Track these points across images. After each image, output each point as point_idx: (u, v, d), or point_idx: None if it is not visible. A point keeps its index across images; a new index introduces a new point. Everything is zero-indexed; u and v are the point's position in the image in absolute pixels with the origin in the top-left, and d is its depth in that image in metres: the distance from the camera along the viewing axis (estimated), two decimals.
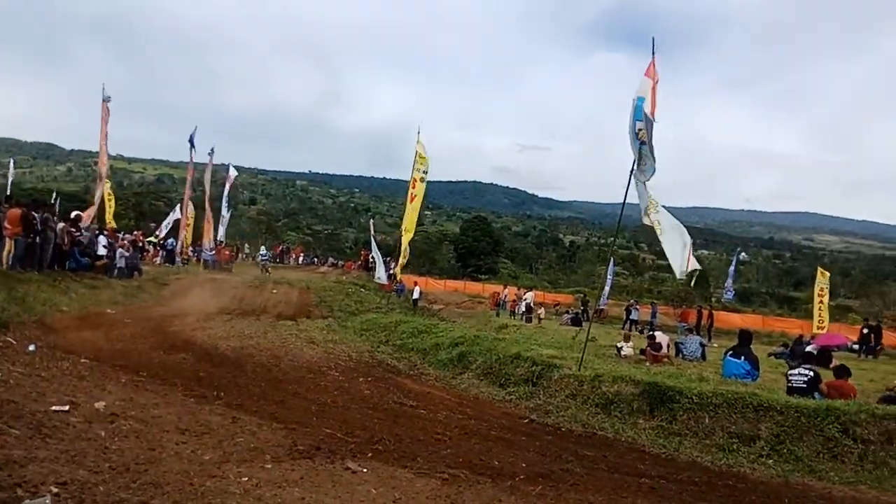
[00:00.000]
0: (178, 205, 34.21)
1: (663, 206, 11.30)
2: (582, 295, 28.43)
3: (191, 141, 29.02)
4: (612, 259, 39.55)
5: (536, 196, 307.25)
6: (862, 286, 73.80)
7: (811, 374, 10.38)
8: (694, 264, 11.28)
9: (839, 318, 41.91)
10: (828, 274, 31.96)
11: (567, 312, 34.16)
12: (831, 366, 11.26)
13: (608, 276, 38.17)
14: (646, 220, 11.26)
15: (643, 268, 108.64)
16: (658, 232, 11.16)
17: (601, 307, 37.10)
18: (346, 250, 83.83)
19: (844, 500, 7.11)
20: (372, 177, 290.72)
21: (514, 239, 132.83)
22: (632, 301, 35.01)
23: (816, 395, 9.99)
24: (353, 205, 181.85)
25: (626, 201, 11.23)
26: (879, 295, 51.77)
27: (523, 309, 33.08)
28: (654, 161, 10.92)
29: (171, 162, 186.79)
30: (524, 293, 36.25)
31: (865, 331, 27.14)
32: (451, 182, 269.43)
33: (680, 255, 11.04)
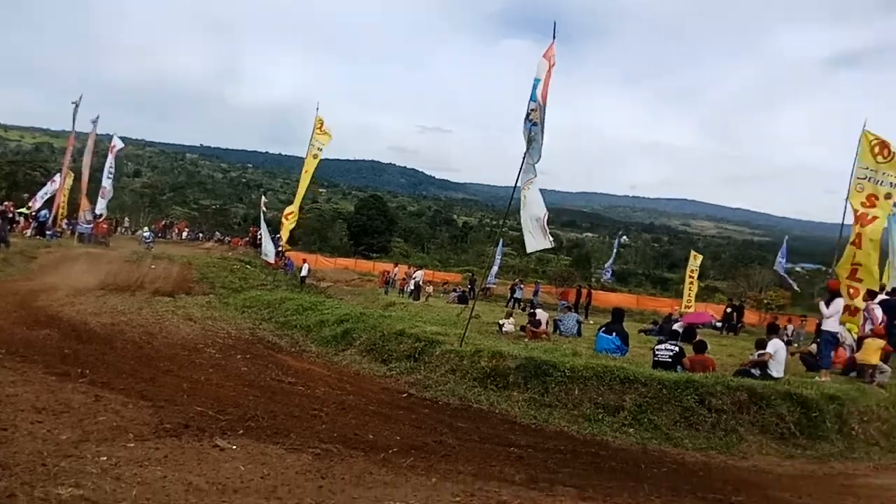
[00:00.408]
0: (56, 175, 32.08)
1: (539, 190, 11.72)
2: (470, 274, 28.95)
3: (75, 108, 27.33)
4: (500, 240, 40.36)
5: (433, 177, 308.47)
6: (730, 269, 78.52)
7: (676, 349, 11.03)
8: (547, 241, 11.75)
9: (707, 298, 44.66)
10: (700, 257, 33.98)
11: (454, 291, 34.61)
12: (694, 341, 11.99)
13: (496, 256, 38.96)
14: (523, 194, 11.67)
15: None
16: (522, 205, 11.60)
17: (488, 286, 37.88)
18: (234, 226, 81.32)
19: (696, 464, 7.66)
20: (267, 152, 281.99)
21: (409, 218, 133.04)
22: (517, 280, 35.91)
23: (679, 368, 10.64)
24: (244, 180, 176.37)
25: (511, 184, 11.57)
26: (745, 277, 55.19)
27: (412, 287, 33.26)
28: (542, 143, 11.25)
29: (52, 130, 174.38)
30: (414, 272, 36.43)
31: (729, 310, 29.08)
32: (349, 160, 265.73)
33: (532, 231, 11.54)
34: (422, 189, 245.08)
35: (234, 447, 5.61)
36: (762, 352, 11.26)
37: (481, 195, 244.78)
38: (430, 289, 32.67)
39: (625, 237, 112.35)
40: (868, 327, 13.04)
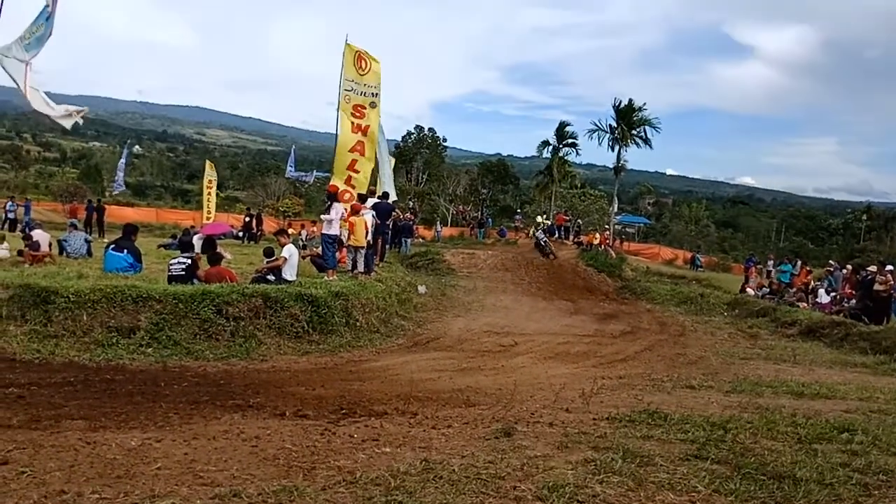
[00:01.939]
0: None
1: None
2: None
3: None
4: None
5: None
6: (248, 178, 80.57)
7: (189, 261, 10.97)
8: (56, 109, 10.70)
9: (228, 209, 45.25)
10: (215, 167, 33.97)
11: None
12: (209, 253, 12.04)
13: None
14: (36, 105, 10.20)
15: (28, 161, 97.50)
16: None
17: None
18: None
19: (217, 374, 7.86)
20: None
21: None
22: (8, 198, 31.28)
23: (195, 281, 10.62)
24: None
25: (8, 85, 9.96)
26: (263, 186, 57.24)
27: None
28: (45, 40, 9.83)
29: None
30: None
31: (248, 219, 30.04)
32: None
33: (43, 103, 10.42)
34: None
35: None
36: (274, 258, 11.90)
37: None
38: None
39: (137, 146, 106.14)
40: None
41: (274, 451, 4.56)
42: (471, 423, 5.51)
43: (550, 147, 45.18)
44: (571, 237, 34.12)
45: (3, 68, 10.18)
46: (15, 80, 10.26)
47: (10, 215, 27.65)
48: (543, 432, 5.04)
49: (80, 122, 11.42)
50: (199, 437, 4.85)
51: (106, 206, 30.11)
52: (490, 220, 49.62)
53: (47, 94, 10.93)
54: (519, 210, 52.56)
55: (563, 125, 45.34)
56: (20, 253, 14.71)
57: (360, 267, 13.55)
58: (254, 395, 6.62)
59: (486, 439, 4.85)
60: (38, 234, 15.12)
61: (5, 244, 15.51)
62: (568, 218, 37.29)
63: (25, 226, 24.76)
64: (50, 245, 15.38)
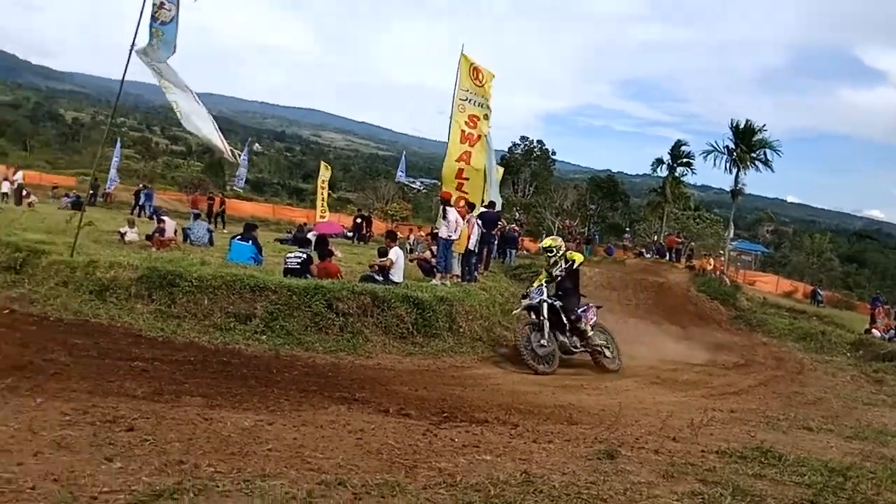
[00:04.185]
0: None
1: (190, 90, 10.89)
2: (92, 178, 25.94)
3: None
4: (118, 140, 36.84)
5: (30, 63, 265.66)
6: (360, 181, 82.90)
7: (304, 256, 11.37)
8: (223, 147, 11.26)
9: (340, 209, 46.70)
10: (330, 168, 35.08)
11: (67, 195, 30.87)
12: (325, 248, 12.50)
13: (114, 158, 35.48)
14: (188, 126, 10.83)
15: (157, 152, 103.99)
16: (179, 116, 10.82)
17: (108, 191, 34.67)
18: None
19: (325, 366, 8.10)
20: None
21: (3, 110, 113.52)
22: (140, 185, 33.39)
23: (308, 275, 11.00)
24: None
25: (130, 78, 10.53)
26: (373, 189, 58.85)
27: (4, 190, 28.93)
28: (175, 43, 10.39)
29: None
30: (13, 172, 31.48)
31: (358, 220, 30.83)
32: None
33: (218, 137, 10.92)
34: (15, 76, 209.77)
35: None
36: (383, 258, 12.16)
37: (92, 88, 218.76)
38: (33, 198, 28.49)
39: (257, 144, 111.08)
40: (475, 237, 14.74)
41: (377, 446, 4.66)
42: (572, 440, 5.42)
43: (664, 165, 44.08)
44: (683, 260, 33.06)
45: (153, 70, 10.71)
46: (175, 102, 10.79)
47: (142, 201, 29.50)
48: (648, 459, 4.90)
49: (237, 161, 12.08)
50: (307, 425, 5.00)
51: (224, 200, 31.67)
52: (597, 236, 48.73)
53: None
54: (628, 228, 51.46)
55: (678, 144, 44.25)
56: (148, 237, 15.67)
57: (455, 270, 13.58)
58: (359, 389, 6.77)
59: (587, 459, 4.77)
60: (167, 222, 16.11)
61: (135, 228, 16.55)
62: (680, 240, 36.15)
63: (153, 213, 26.35)
64: (175, 232, 16.34)
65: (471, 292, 12.46)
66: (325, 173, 32.27)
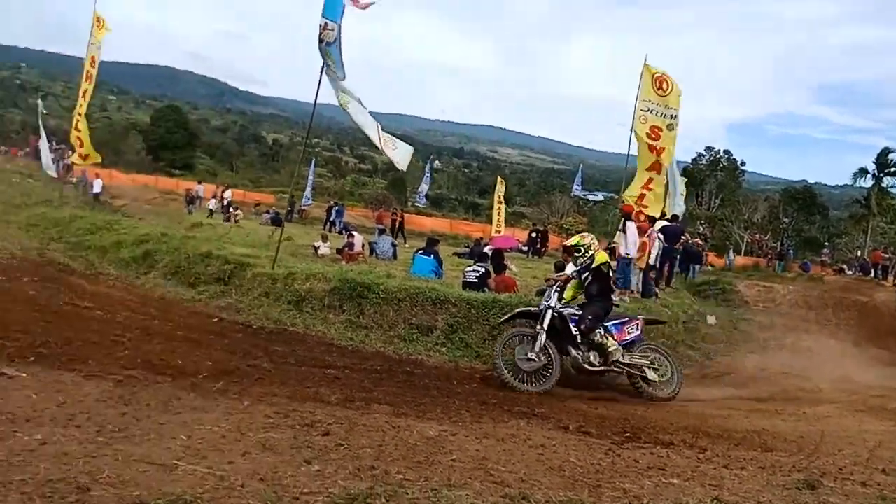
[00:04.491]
0: None
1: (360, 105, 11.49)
2: (290, 196, 28.38)
3: None
4: (313, 160, 39.51)
5: (237, 89, 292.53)
6: (534, 195, 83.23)
7: (482, 270, 11.56)
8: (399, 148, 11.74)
9: (514, 224, 47.03)
10: (505, 183, 35.46)
11: (268, 212, 33.62)
12: (501, 262, 12.66)
13: (309, 177, 38.17)
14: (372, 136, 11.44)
15: (346, 170, 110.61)
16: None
17: (303, 207, 37.25)
18: (11, 135, 72.44)
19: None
20: (43, 51, 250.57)
21: (213, 133, 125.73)
22: (331, 202, 35.59)
23: (486, 289, 11.16)
24: (19, 82, 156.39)
25: (322, 101, 11.30)
26: (548, 203, 58.77)
27: (211, 206, 32.05)
28: (342, 62, 10.98)
29: None
30: (222, 191, 34.86)
31: (534, 234, 30.88)
32: (140, 65, 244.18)
33: (388, 144, 11.47)
34: (225, 102, 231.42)
35: (24, 375, 5.11)
36: (560, 273, 12.06)
37: (291, 111, 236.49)
38: (239, 213, 31.37)
39: (437, 161, 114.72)
40: (657, 251, 14.27)
41: (559, 462, 4.62)
42: (767, 468, 5.06)
43: (869, 175, 40.26)
44: (891, 278, 29.90)
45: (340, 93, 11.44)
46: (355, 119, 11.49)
47: (333, 217, 31.43)
48: (854, 491, 4.47)
49: (404, 169, 12.63)
50: (489, 437, 5.06)
51: (405, 214, 32.98)
52: (792, 251, 45.28)
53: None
54: (827, 243, 47.41)
55: (885, 152, 40.22)
56: (339, 251, 16.69)
57: (634, 286, 13.17)
58: (538, 404, 6.76)
59: (785, 488, 4.43)
60: (356, 237, 17.09)
61: (328, 243, 17.67)
62: (888, 256, 32.75)
63: (343, 228, 27.98)
64: (363, 246, 17.26)
65: (651, 309, 12.06)
66: (500, 188, 32.66)
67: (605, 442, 5.45)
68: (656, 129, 14.56)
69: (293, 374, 6.73)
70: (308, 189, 37.31)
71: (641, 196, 14.52)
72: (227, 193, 33.92)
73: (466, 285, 11.29)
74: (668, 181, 15.84)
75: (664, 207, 16.16)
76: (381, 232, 20.86)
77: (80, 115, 19.42)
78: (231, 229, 22.08)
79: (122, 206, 27.35)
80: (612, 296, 9.05)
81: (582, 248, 8.49)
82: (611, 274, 8.70)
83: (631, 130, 14.65)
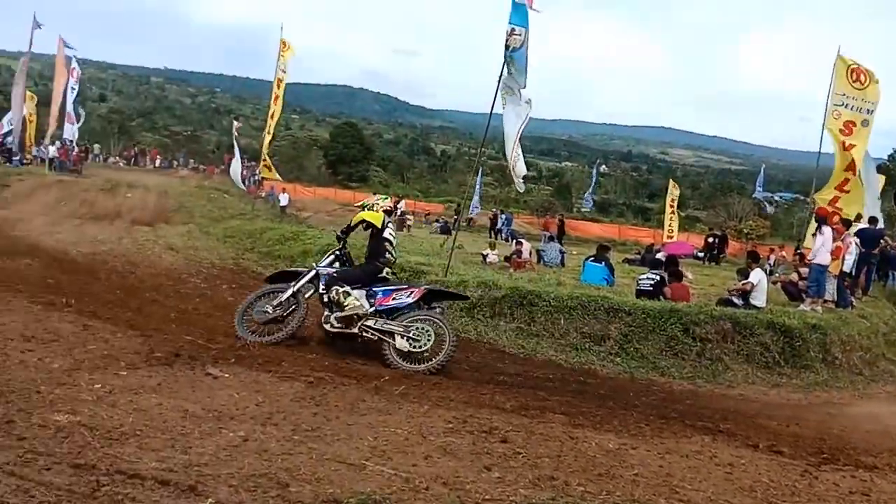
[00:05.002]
0: (19, 100, 30.74)
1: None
2: (456, 204, 28.95)
3: (36, 25, 26.26)
4: (480, 169, 40.13)
5: (408, 103, 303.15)
6: (710, 198, 78.97)
7: (657, 278, 11.15)
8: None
9: (688, 229, 45.03)
10: (679, 186, 34.08)
11: (437, 221, 34.58)
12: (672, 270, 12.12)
13: (476, 187, 38.79)
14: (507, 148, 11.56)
15: (511, 178, 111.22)
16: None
17: (471, 216, 37.93)
18: (208, 154, 79.77)
19: (683, 392, 7.83)
20: (235, 76, 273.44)
21: (386, 147, 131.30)
22: (495, 210, 35.95)
23: (662, 297, 10.76)
24: (214, 105, 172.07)
25: (496, 112, 11.39)
26: (725, 206, 55.51)
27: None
28: (525, 69, 11.01)
29: (7, 52, 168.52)
30: (396, 202, 36.27)
31: (711, 239, 29.40)
32: (320, 85, 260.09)
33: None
34: (397, 116, 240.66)
35: (227, 375, 5.59)
36: (745, 280, 11.38)
37: (458, 122, 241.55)
38: (411, 219, 32.57)
39: (604, 166, 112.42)
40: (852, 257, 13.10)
41: (749, 482, 4.38)
42: None
43: None
44: None
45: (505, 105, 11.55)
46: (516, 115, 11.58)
47: (499, 225, 31.74)
48: None
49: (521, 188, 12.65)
50: (672, 453, 4.87)
51: (566, 220, 32.65)
52: None
53: (532, 119, 12.09)
54: None
55: None
56: (507, 259, 16.80)
57: (828, 294, 12.10)
58: (722, 420, 6.41)
59: None
60: (524, 244, 17.15)
61: (496, 251, 17.85)
62: None
63: (510, 236, 28.17)
64: (530, 253, 17.26)
65: (847, 320, 11.08)
66: (673, 191, 31.44)
67: (799, 462, 5.08)
68: (850, 125, 13.49)
69: (468, 380, 6.85)
70: (476, 198, 37.92)
71: (835, 198, 13.45)
72: (402, 204, 35.23)
73: (641, 293, 10.95)
74: (863, 182, 14.58)
75: (860, 209, 14.83)
76: (550, 239, 20.76)
77: (268, 134, 21.10)
78: (404, 238, 22.91)
79: (306, 217, 29.23)
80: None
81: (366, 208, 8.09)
82: (384, 234, 7.77)
83: (823, 127, 13.64)
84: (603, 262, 13.35)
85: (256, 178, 32.10)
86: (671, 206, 31.14)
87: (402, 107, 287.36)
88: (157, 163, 56.24)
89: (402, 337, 7.10)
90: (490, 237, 28.87)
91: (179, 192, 24.58)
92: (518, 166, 12.22)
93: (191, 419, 4.40)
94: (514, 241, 20.31)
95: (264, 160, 21.22)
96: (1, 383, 4.48)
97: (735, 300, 11.11)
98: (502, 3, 11.04)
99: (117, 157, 56.20)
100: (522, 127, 11.68)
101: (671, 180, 34.14)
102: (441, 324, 7.24)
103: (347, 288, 7.36)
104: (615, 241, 35.89)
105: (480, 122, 12.07)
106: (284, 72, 20.75)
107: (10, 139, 30.72)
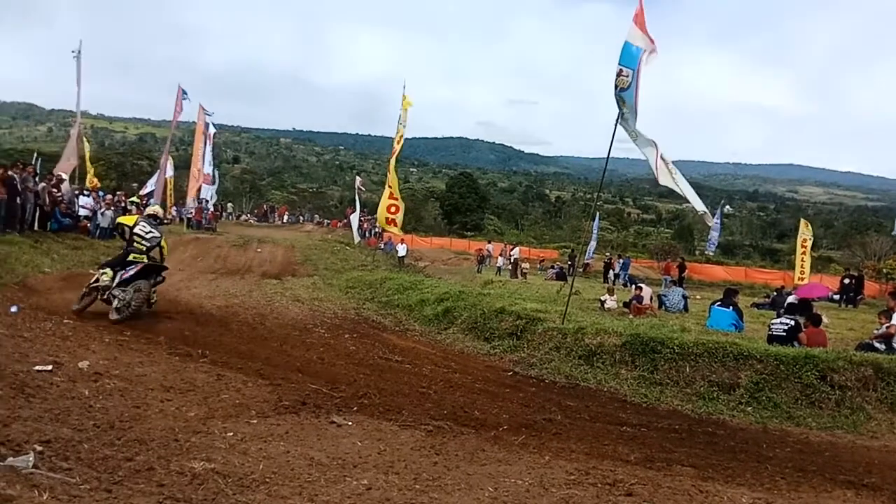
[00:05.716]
0: (165, 163, 33.43)
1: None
2: (569, 250, 28.60)
3: (183, 96, 28.77)
4: (597, 214, 39.61)
5: (522, 151, 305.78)
6: (844, 237, 74.21)
7: (792, 322, 10.52)
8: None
9: (821, 270, 42.37)
10: (811, 225, 32.27)
11: (552, 267, 34.32)
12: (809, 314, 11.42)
13: (593, 231, 38.31)
14: (662, 180, 11.11)
15: (628, 222, 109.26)
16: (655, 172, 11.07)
17: (587, 261, 37.40)
18: (331, 209, 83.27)
19: (821, 444, 7.28)
20: (357, 134, 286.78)
21: (501, 195, 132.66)
22: (609, 256, 35.30)
23: (796, 343, 10.15)
24: (338, 162, 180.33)
25: (603, 155, 11.30)
26: (861, 245, 51.90)
27: (499, 264, 33.42)
28: (635, 108, 10.86)
29: (152, 121, 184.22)
30: (510, 249, 36.36)
31: (846, 281, 27.48)
32: (437, 138, 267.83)
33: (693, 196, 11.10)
34: (511, 164, 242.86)
35: (350, 423, 5.74)
36: (889, 324, 10.58)
37: (573, 168, 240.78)
38: (526, 265, 32.53)
39: (728, 207, 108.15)
40: None
41: None
42: None
43: None
44: None
45: (636, 144, 11.36)
46: (646, 155, 11.34)
47: (618, 270, 31.06)
48: None
49: (711, 224, 12.15)
50: None
51: (686, 263, 31.58)
52: None
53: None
54: None
55: None
56: (626, 305, 16.39)
57: None
58: (866, 473, 5.92)
59: None
60: (644, 289, 16.72)
61: (614, 296, 17.46)
62: None
63: (628, 281, 27.52)
64: (651, 299, 16.77)
65: None
66: (805, 231, 29.80)
67: None
68: None
69: (588, 431, 6.68)
70: (592, 243, 37.43)
71: None
72: (515, 251, 35.27)
73: (773, 339, 10.36)
74: None
75: None
76: (672, 283, 20.12)
77: (390, 186, 21.85)
78: (520, 285, 22.85)
79: (423, 267, 29.84)
80: (130, 247, 10.24)
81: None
82: (136, 230, 10.43)
83: None
84: (731, 307, 12.77)
85: (377, 230, 33.14)
86: (803, 247, 29.49)
87: (516, 155, 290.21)
88: (286, 218, 59.18)
89: (115, 298, 9.77)
90: (606, 282, 28.29)
91: (305, 246, 25.75)
92: (695, 203, 11.56)
93: (317, 467, 4.54)
94: (634, 285, 19.82)
95: (389, 219, 21.85)
96: (143, 431, 4.79)
97: (877, 345, 10.34)
98: (614, 47, 11.03)
99: (249, 215, 59.61)
100: (659, 164, 11.19)
101: (802, 220, 32.40)
102: (135, 289, 9.88)
103: (107, 270, 10.09)
104: (741, 284, 34.25)
105: (596, 167, 12.02)
106: (404, 126, 21.61)
107: (152, 200, 33.30)
